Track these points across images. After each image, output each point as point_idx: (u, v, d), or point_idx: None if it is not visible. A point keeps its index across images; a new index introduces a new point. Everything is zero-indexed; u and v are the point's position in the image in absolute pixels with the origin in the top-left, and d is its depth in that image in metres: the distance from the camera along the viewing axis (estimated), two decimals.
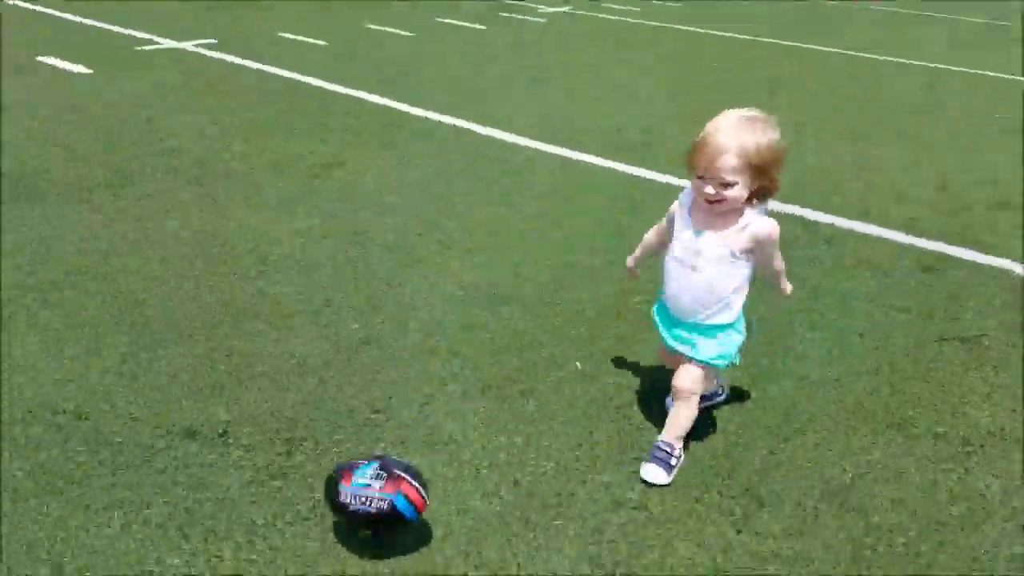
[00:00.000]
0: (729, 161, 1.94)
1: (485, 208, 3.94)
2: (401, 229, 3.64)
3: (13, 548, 1.83)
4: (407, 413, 2.38)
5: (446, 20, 9.78)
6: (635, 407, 2.44)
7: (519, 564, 1.86)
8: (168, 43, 7.39)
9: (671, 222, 2.20)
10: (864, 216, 4.06)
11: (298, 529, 1.91)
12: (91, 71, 6.23)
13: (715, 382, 2.38)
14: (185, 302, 2.92)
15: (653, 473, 2.15)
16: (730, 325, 2.16)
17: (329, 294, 3.04)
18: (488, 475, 2.14)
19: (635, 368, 2.66)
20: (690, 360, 2.18)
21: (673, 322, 2.21)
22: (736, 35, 10.26)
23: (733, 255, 2.06)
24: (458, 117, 5.43)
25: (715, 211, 2.04)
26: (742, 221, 2.05)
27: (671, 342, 2.22)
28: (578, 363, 2.66)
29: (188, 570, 1.80)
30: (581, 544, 1.93)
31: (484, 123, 5.34)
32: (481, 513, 2.01)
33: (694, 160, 2.01)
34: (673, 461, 2.18)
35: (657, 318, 2.28)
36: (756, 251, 2.09)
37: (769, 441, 2.33)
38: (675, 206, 2.18)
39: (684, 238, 2.11)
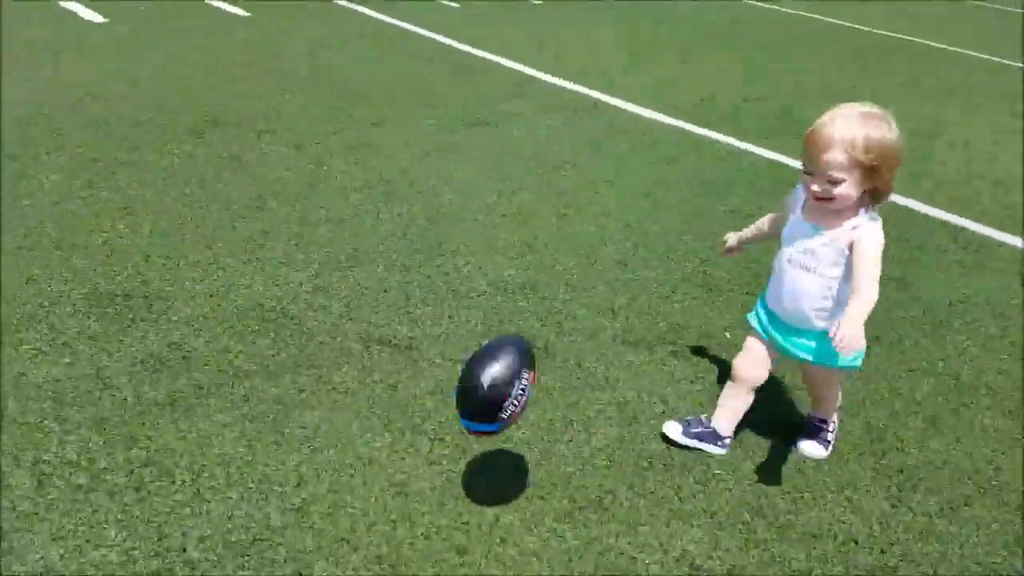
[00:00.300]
0: (836, 157, 1.83)
1: (628, 175, 4.08)
2: (539, 187, 3.82)
3: (237, 417, 2.12)
4: (564, 353, 2.55)
5: None
6: (786, 379, 2.53)
7: (681, 499, 2.01)
8: None
9: (784, 216, 2.08)
10: (1007, 224, 3.95)
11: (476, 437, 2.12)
12: (249, 14, 6.78)
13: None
14: (364, 232, 3.19)
15: (811, 448, 2.22)
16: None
17: (491, 239, 3.24)
18: (645, 420, 2.28)
19: None
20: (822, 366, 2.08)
21: (791, 330, 2.07)
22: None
23: (844, 253, 1.93)
24: (590, 88, 5.61)
25: (825, 210, 1.93)
26: (853, 220, 1.92)
27: (798, 352, 2.07)
28: (727, 333, 2.76)
29: (391, 452, 2.04)
30: (740, 493, 2.05)
31: (614, 94, 5.48)
32: (641, 452, 2.16)
33: (803, 154, 1.90)
34: (829, 437, 2.25)
35: (769, 325, 2.12)
36: (852, 253, 1.92)
37: (922, 431, 2.37)
38: (790, 198, 2.07)
39: (796, 237, 2.00)
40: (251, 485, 1.90)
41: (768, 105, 5.78)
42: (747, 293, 3.04)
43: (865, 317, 1.86)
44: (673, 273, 3.16)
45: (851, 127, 1.83)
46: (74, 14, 6.43)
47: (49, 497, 1.83)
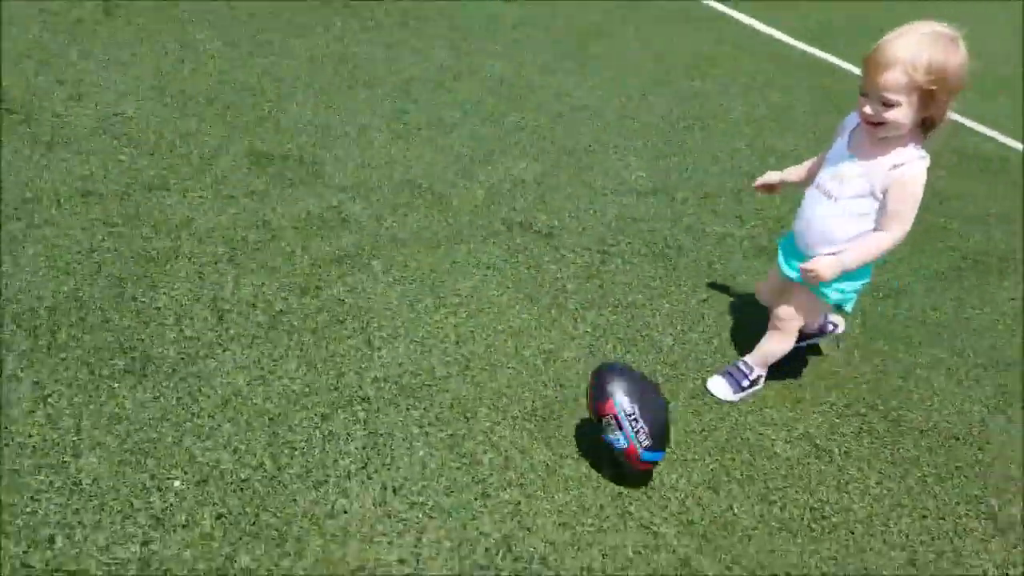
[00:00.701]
0: (895, 77, 1.67)
1: (754, 91, 4.03)
2: (663, 97, 3.80)
3: (398, 278, 2.27)
4: (695, 254, 2.63)
5: None
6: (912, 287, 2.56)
7: (802, 388, 2.12)
8: None
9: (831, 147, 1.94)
10: None
11: (614, 319, 2.26)
12: None
13: (822, 318, 2.20)
14: (497, 128, 3.26)
15: (717, 385, 2.06)
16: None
17: (619, 144, 3.28)
18: None
19: None
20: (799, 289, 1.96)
21: (795, 255, 1.96)
22: None
23: (874, 195, 1.78)
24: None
25: (875, 136, 1.78)
26: (897, 157, 1.76)
27: (787, 271, 1.98)
28: None
29: (538, 324, 2.19)
30: (856, 389, 2.15)
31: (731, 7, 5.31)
32: None
33: (861, 74, 1.76)
34: (745, 383, 2.07)
35: (780, 250, 2.04)
36: (887, 195, 1.78)
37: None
38: (843, 122, 1.93)
39: (832, 163, 1.87)
40: (416, 339, 2.07)
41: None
42: None
43: (862, 262, 1.81)
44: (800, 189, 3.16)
45: (916, 47, 1.68)
46: None
47: (230, 331, 2.01)
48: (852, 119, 1.88)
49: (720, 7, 5.36)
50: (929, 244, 2.95)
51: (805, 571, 1.66)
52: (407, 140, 3.03)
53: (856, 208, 1.80)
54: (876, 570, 1.69)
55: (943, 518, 1.84)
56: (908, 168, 1.75)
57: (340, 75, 3.45)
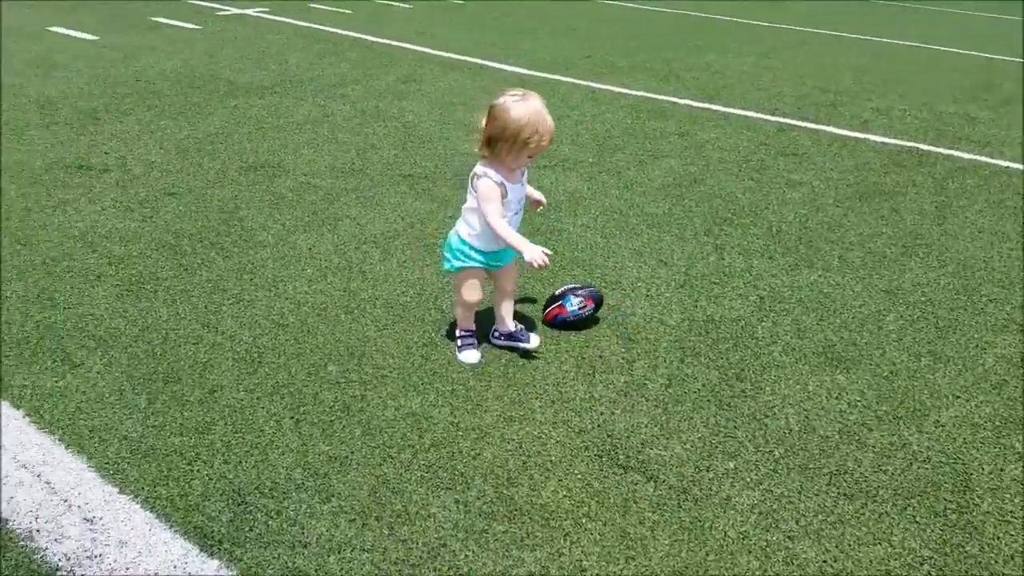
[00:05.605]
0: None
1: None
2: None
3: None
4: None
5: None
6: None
7: None
8: (234, 10, 9.34)
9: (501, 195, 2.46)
10: None
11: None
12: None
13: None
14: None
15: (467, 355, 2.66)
16: None
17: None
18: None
19: None
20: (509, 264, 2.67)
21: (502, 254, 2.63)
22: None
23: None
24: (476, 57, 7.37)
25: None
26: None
27: (505, 260, 2.64)
28: None
29: None
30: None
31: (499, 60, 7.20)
32: None
33: (538, 148, 2.34)
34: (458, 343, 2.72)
35: (490, 257, 2.57)
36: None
37: None
38: (495, 184, 2.41)
39: (515, 194, 2.48)
40: None
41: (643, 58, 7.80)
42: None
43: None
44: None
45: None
46: None
47: None
48: (497, 175, 2.42)
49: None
50: None
51: None
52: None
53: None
54: None
55: None
56: None
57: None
